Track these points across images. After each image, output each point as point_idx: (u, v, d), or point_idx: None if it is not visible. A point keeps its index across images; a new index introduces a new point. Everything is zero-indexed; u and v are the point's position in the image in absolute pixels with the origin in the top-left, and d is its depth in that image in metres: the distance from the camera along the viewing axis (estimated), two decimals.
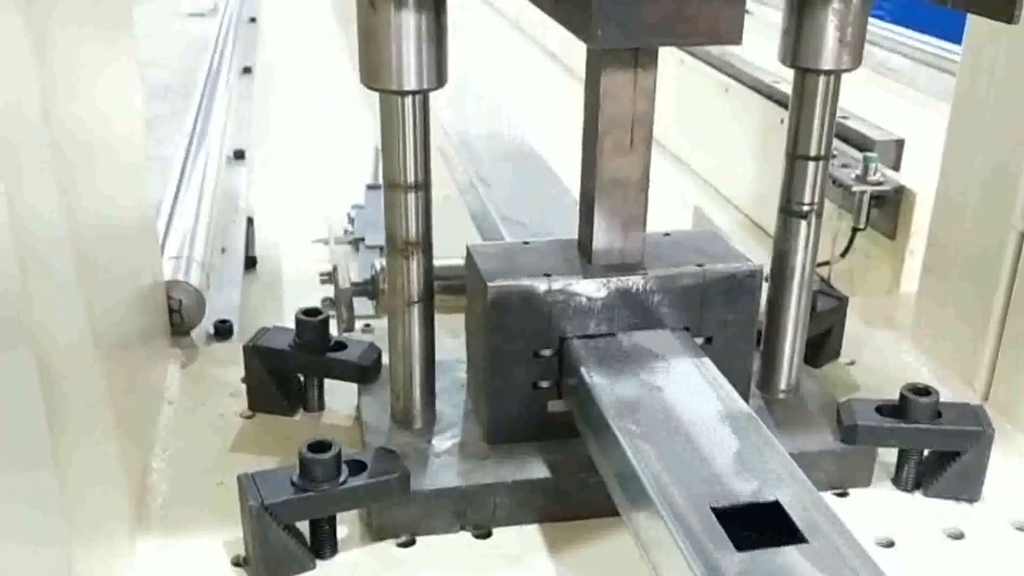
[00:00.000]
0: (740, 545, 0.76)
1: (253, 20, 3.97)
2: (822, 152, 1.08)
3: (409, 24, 0.93)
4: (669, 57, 2.22)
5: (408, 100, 0.97)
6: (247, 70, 3.16)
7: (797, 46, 1.04)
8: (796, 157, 1.09)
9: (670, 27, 0.86)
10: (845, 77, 1.07)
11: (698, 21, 0.87)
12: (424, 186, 1.01)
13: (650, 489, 0.83)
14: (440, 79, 0.97)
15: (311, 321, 1.17)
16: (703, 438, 0.90)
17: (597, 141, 1.02)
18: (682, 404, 0.95)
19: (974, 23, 1.27)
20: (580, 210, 1.08)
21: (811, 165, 1.08)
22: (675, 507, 0.81)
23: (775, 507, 0.81)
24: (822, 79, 1.06)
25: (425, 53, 0.94)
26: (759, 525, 0.80)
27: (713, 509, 0.80)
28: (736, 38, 0.89)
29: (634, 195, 1.05)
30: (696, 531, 0.78)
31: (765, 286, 1.12)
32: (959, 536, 1.03)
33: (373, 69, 0.95)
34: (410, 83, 0.95)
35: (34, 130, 0.78)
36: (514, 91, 2.88)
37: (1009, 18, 0.89)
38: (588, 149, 1.04)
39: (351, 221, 2.06)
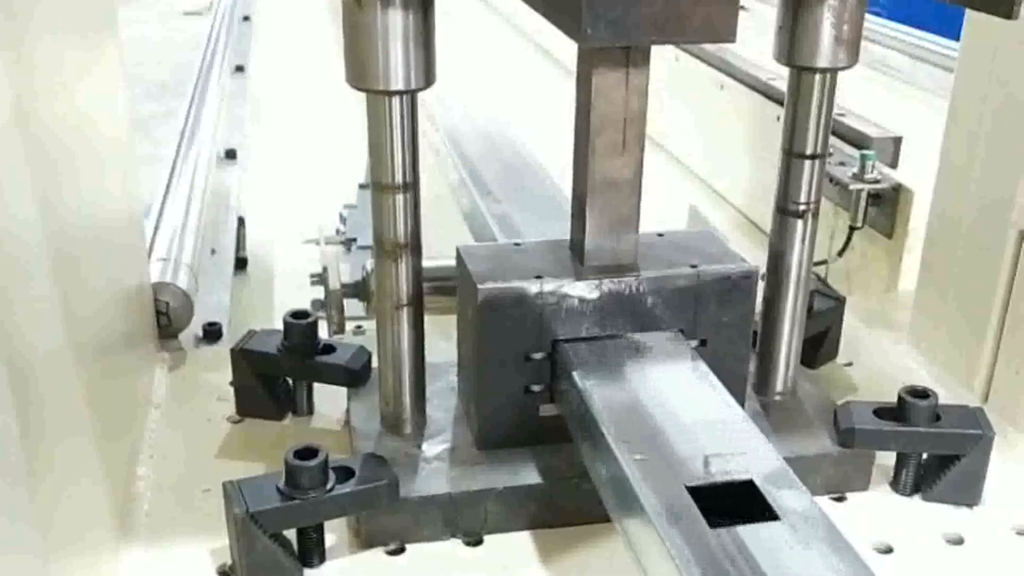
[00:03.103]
0: (713, 523, 0.78)
1: (247, 19, 3.95)
2: (818, 151, 1.07)
3: (396, 23, 0.91)
4: (663, 54, 2.20)
5: (395, 100, 0.96)
6: (240, 69, 3.14)
7: (793, 44, 1.02)
8: (792, 155, 1.07)
9: (661, 25, 0.84)
10: (842, 73, 1.05)
11: (691, 19, 0.85)
12: (412, 187, 1.00)
13: (634, 484, 0.84)
14: (428, 79, 0.95)
15: (299, 324, 1.15)
16: (695, 441, 0.89)
17: (589, 141, 1.00)
18: (676, 409, 0.93)
19: (972, 19, 1.26)
20: (572, 210, 1.07)
21: (807, 164, 1.07)
22: (652, 487, 0.83)
23: (748, 486, 0.83)
24: (818, 77, 1.04)
25: (412, 52, 0.92)
26: (735, 504, 0.82)
27: (687, 488, 0.82)
28: (730, 36, 0.87)
29: (627, 195, 1.03)
30: (671, 509, 0.80)
31: (761, 286, 1.10)
32: (959, 541, 1.01)
33: (359, 69, 0.93)
34: (397, 83, 0.93)
35: (5, 131, 0.76)
36: (509, 87, 2.86)
37: (1008, 14, 0.87)
38: (580, 149, 1.02)
39: (343, 221, 2.04)
